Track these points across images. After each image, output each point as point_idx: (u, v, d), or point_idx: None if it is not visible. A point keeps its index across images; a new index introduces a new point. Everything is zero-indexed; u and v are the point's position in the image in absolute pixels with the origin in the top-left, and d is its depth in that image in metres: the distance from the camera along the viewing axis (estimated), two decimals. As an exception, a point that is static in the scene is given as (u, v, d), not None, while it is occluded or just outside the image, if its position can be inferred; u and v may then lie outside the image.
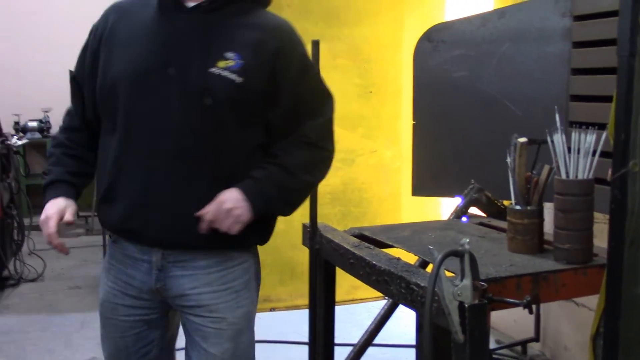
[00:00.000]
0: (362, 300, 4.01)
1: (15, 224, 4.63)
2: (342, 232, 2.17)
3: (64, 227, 1.67)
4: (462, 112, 2.72)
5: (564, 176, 1.72)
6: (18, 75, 6.58)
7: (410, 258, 1.90)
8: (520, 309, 1.48)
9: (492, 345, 3.31)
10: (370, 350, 2.63)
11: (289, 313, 3.96)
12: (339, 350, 2.30)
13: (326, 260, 2.12)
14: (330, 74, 3.85)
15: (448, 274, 1.46)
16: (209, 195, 1.58)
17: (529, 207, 1.81)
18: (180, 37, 1.61)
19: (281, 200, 1.68)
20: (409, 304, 1.62)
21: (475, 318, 1.39)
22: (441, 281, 1.38)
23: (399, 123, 4.16)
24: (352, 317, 3.43)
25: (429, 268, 1.77)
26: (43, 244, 5.58)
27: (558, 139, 1.72)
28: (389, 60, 4.13)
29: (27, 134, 6.20)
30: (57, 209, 1.66)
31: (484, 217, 2.38)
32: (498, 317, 3.43)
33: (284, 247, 3.95)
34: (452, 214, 2.42)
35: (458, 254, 1.39)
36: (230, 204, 1.57)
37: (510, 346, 3.37)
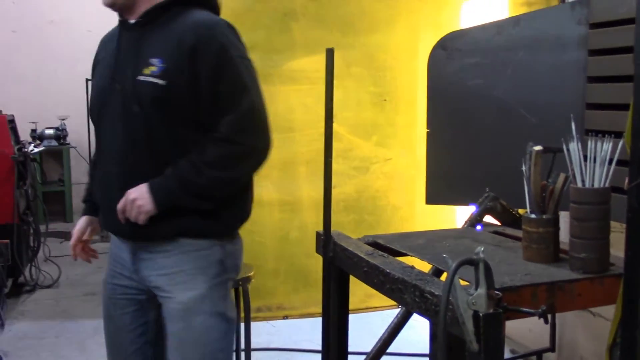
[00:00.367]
0: (376, 308, 3.99)
1: (32, 231, 4.67)
2: (356, 240, 2.16)
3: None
4: (477, 120, 2.72)
5: (580, 185, 1.70)
6: (35, 83, 6.66)
7: (425, 266, 1.89)
8: (535, 318, 1.47)
9: (507, 354, 3.28)
10: (384, 359, 2.61)
11: (302, 321, 3.95)
12: (352, 359, 2.28)
13: (340, 268, 2.11)
14: (345, 82, 3.92)
15: (462, 282, 1.45)
16: None
17: (544, 216, 1.80)
18: (123, 54, 1.80)
19: (187, 194, 1.72)
20: (423, 313, 1.61)
21: (490, 327, 1.38)
22: (455, 290, 1.37)
23: (413, 131, 4.15)
24: (365, 326, 3.42)
25: (443, 277, 1.76)
26: (58, 251, 5.67)
27: (574, 147, 1.71)
28: (404, 69, 4.13)
29: (44, 142, 6.27)
30: (78, 227, 1.99)
31: (499, 225, 2.37)
32: (513, 327, 3.39)
33: (298, 255, 3.95)
34: (466, 222, 2.40)
35: (473, 263, 1.38)
36: (133, 196, 1.72)
37: (525, 356, 3.34)
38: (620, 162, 1.67)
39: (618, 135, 1.67)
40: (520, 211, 2.25)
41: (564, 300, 1.64)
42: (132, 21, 1.80)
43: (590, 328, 3.04)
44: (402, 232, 2.46)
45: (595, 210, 1.68)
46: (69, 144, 6.68)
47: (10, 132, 4.43)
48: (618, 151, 1.68)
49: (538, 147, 1.82)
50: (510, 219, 2.34)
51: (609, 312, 1.52)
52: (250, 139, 1.74)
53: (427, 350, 2.62)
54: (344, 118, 3.91)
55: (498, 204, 2.33)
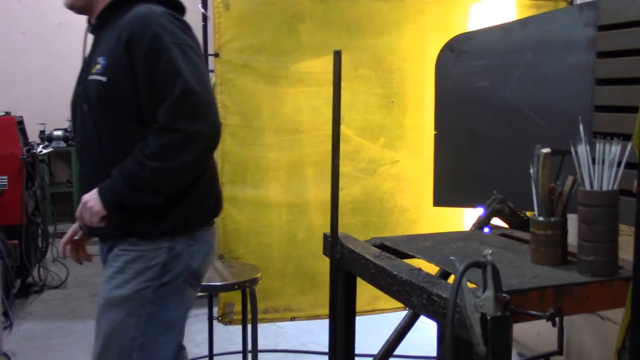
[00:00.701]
0: (383, 310, 3.99)
1: (40, 232, 4.69)
2: (363, 242, 2.16)
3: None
4: (485, 122, 2.71)
5: (588, 187, 1.70)
6: (44, 85, 6.69)
7: (432, 269, 1.89)
8: (543, 321, 1.46)
9: (515, 358, 3.27)
10: (391, 361, 2.61)
11: (309, 323, 3.96)
12: (359, 361, 2.29)
13: (347, 270, 2.11)
14: (352, 84, 3.93)
15: (470, 285, 1.45)
16: None
17: (552, 219, 1.79)
18: (86, 56, 1.88)
19: (133, 190, 1.72)
20: (431, 315, 1.61)
21: (498, 330, 1.37)
22: (463, 292, 1.37)
23: (421, 133, 4.14)
24: (372, 328, 3.41)
25: (451, 279, 1.76)
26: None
27: (582, 149, 1.70)
28: (412, 71, 4.12)
29: (52, 143, 6.28)
30: (73, 226, 1.99)
31: (507, 228, 2.36)
32: (520, 330, 3.38)
33: (305, 257, 3.96)
34: (474, 224, 2.40)
35: (480, 265, 1.38)
36: (85, 199, 1.75)
37: (533, 359, 3.33)
38: (628, 165, 1.66)
39: (626, 137, 1.66)
40: (528, 214, 2.24)
41: (572, 303, 1.63)
42: (92, 23, 1.90)
43: (599, 331, 3.02)
44: (410, 234, 2.45)
45: (603, 212, 1.68)
46: (77, 145, 6.70)
47: (19, 134, 4.45)
48: (627, 154, 1.67)
49: (546, 150, 1.82)
50: (518, 222, 2.33)
51: (618, 315, 1.51)
52: (189, 125, 1.67)
53: (434, 353, 2.63)
54: (351, 120, 3.91)
55: (506, 206, 2.32)
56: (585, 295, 1.64)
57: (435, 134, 2.82)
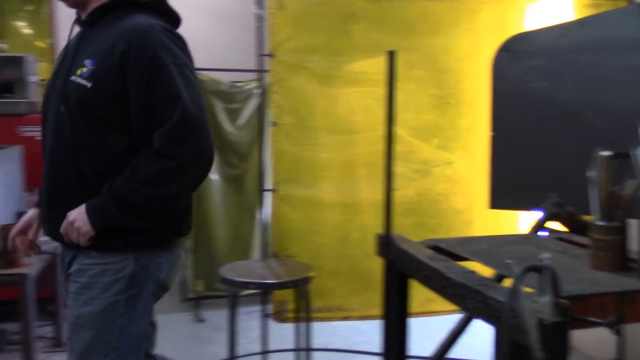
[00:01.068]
0: (436, 313, 3.96)
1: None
2: (417, 243, 2.16)
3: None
4: (542, 123, 2.67)
5: (650, 192, 1.66)
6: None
7: (486, 272, 1.87)
8: (602, 329, 1.43)
9: (571, 364, 3.20)
10: (444, 363, 2.59)
11: (362, 323, 3.97)
12: (412, 363, 2.28)
13: (400, 271, 2.11)
14: (406, 85, 3.91)
15: (526, 289, 1.43)
16: (75, 198, 1.71)
17: (612, 223, 1.75)
18: (68, 52, 1.79)
19: (125, 215, 1.67)
20: (486, 319, 1.60)
21: (556, 336, 1.35)
22: (520, 297, 1.36)
23: (475, 134, 4.10)
24: (425, 330, 3.40)
25: (506, 283, 1.74)
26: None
27: (644, 153, 1.66)
28: (466, 71, 4.09)
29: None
30: (24, 218, 1.96)
31: (565, 232, 2.32)
32: (578, 337, 3.31)
33: (359, 257, 3.97)
34: (531, 228, 2.36)
35: (538, 270, 1.36)
36: (72, 217, 1.69)
37: (590, 366, 3.25)
38: (693, 169, 1.61)
39: (692, 141, 1.62)
40: (587, 217, 2.20)
41: (633, 311, 1.59)
42: (83, 18, 1.80)
43: (660, 339, 2.93)
44: (464, 236, 2.44)
45: (666, 218, 1.63)
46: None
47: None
48: (691, 157, 1.63)
49: (606, 152, 1.78)
50: (576, 226, 2.29)
51: (681, 323, 1.47)
52: (185, 152, 1.64)
53: (487, 357, 2.59)
54: (404, 120, 3.90)
55: (564, 209, 2.28)
56: (647, 302, 1.60)
57: (491, 135, 2.79)
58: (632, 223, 1.78)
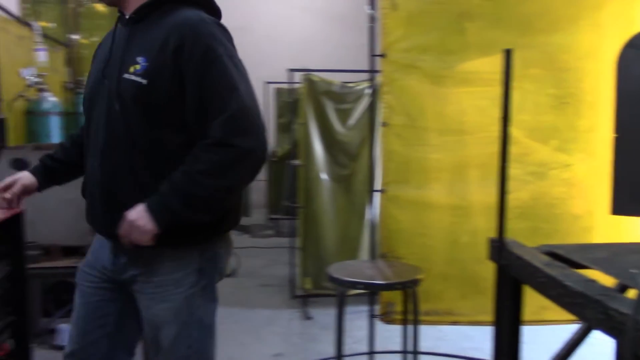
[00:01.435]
0: (550, 322, 3.80)
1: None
2: (531, 248, 2.08)
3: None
4: (672, 125, 2.49)
5: None
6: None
7: (607, 282, 1.77)
8: None
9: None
10: (558, 375, 2.48)
11: (471, 328, 3.87)
12: (524, 372, 2.20)
13: (514, 277, 2.05)
14: (523, 84, 3.78)
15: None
16: (133, 194, 1.69)
17: None
18: (114, 50, 1.78)
19: (188, 208, 1.65)
20: (607, 331, 1.51)
21: (685, 353, 1.26)
22: (645, 309, 1.28)
23: (595, 136, 3.89)
24: (538, 339, 3.27)
25: (630, 293, 1.64)
26: (238, 243, 6.00)
27: None
28: (587, 69, 3.88)
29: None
30: (10, 178, 1.94)
31: (696, 241, 2.16)
32: None
33: (469, 261, 3.88)
34: (657, 236, 2.21)
35: (666, 281, 1.27)
36: (133, 217, 1.65)
37: None
38: None
39: None
40: None
41: None
42: (127, 15, 1.80)
43: None
44: (582, 243, 2.32)
45: None
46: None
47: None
48: None
49: None
50: None
51: None
52: (244, 141, 1.63)
53: (607, 371, 2.46)
54: (520, 121, 3.76)
55: (696, 217, 2.12)
56: None
57: (615, 137, 2.64)
58: None
